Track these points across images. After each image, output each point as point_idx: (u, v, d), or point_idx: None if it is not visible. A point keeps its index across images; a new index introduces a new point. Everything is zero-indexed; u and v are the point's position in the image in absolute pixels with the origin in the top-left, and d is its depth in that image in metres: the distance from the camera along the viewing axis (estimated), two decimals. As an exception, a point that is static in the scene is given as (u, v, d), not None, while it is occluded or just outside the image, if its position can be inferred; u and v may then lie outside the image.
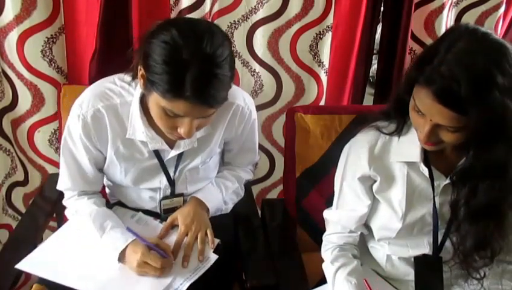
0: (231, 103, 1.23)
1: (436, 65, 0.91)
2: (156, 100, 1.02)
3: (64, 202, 1.31)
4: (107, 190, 1.41)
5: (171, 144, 1.22)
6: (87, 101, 1.17)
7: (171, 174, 1.28)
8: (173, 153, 1.23)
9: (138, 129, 1.17)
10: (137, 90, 1.16)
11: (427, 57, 0.95)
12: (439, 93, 0.90)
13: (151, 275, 1.12)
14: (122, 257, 1.15)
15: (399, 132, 1.11)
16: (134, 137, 1.19)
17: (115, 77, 1.21)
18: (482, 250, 1.04)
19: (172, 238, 1.23)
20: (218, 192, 1.35)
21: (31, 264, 1.16)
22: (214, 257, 1.20)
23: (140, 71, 1.03)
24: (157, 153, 1.23)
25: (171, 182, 1.29)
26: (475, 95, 0.87)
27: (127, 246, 1.14)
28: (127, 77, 1.15)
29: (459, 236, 1.07)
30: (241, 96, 1.27)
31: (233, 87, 1.27)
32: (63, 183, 1.27)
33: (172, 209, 1.31)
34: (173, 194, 1.31)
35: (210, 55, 0.96)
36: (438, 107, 0.91)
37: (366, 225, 1.20)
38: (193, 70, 0.94)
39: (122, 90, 1.18)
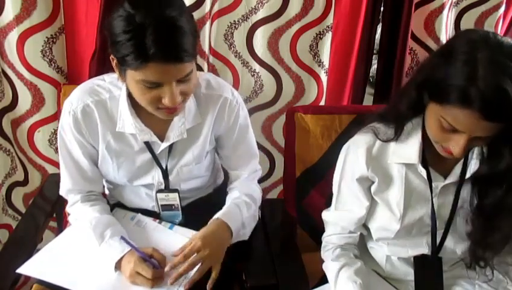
0: (219, 95, 1.25)
1: (468, 83, 0.86)
2: (132, 77, 1.03)
3: (67, 209, 1.30)
4: (106, 191, 1.41)
5: (161, 137, 1.22)
6: (77, 97, 1.20)
7: (164, 167, 1.27)
8: (164, 145, 1.23)
9: (127, 122, 1.19)
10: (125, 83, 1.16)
11: (439, 75, 0.91)
12: (487, 110, 0.86)
13: (143, 285, 1.11)
14: (118, 266, 1.15)
15: (396, 139, 1.09)
16: (123, 130, 1.20)
17: (105, 75, 1.24)
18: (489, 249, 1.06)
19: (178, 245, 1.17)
20: (239, 216, 1.26)
21: (33, 268, 1.16)
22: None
23: (113, 61, 1.05)
24: (149, 147, 1.24)
25: (165, 175, 1.28)
26: None
27: (123, 256, 1.15)
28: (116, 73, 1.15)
29: (475, 230, 1.07)
30: (229, 90, 1.28)
31: (221, 81, 1.29)
32: (64, 185, 1.28)
33: (170, 207, 1.31)
34: (168, 188, 1.30)
35: (163, 12, 0.99)
36: (484, 124, 0.88)
37: (365, 226, 1.20)
38: (150, 29, 0.97)
39: (111, 85, 1.20)
